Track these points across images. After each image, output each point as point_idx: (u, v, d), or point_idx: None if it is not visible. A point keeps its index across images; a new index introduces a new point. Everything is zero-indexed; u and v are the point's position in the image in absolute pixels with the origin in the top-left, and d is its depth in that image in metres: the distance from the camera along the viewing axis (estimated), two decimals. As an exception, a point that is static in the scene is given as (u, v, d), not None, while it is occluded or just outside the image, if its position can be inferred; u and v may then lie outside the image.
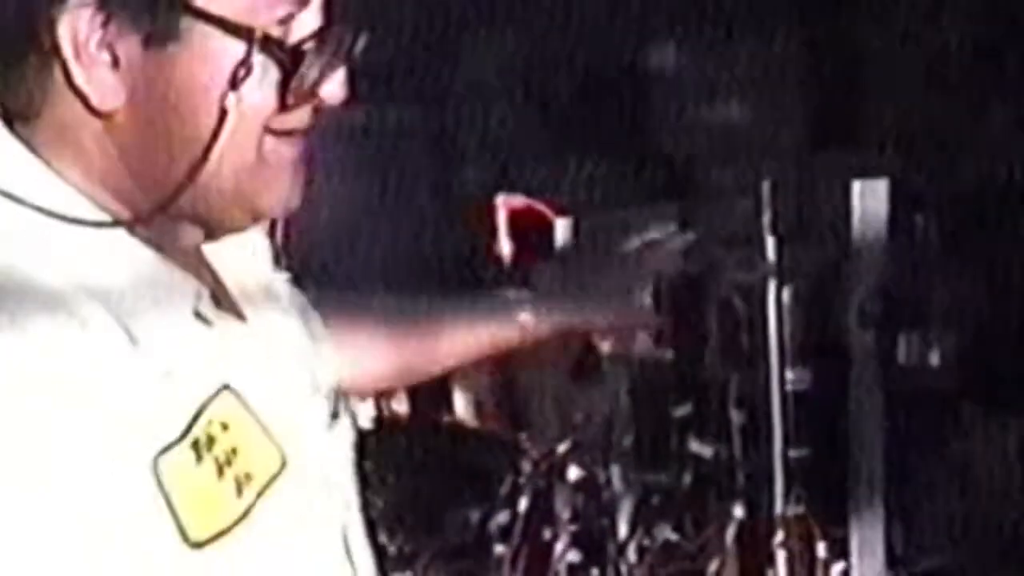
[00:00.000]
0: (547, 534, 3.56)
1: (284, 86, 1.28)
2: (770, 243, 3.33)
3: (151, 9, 1.18)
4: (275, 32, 1.26)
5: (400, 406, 5.16)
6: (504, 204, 3.80)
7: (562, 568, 3.52)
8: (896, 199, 3.36)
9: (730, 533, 3.39)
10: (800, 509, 3.35)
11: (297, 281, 4.48)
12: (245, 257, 1.42)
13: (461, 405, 5.03)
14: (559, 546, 3.53)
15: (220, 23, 1.21)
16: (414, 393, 5.10)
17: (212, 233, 1.35)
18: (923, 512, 3.54)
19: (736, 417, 3.41)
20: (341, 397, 1.50)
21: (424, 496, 4.06)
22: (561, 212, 3.85)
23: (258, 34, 1.24)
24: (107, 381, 1.16)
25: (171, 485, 1.18)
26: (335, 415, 1.46)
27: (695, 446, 3.46)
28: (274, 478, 1.28)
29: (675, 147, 5.52)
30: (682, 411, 3.49)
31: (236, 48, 1.23)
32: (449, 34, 5.62)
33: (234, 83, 1.23)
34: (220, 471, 1.22)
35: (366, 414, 5.01)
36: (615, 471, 3.54)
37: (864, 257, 3.37)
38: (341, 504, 1.43)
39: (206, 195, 1.26)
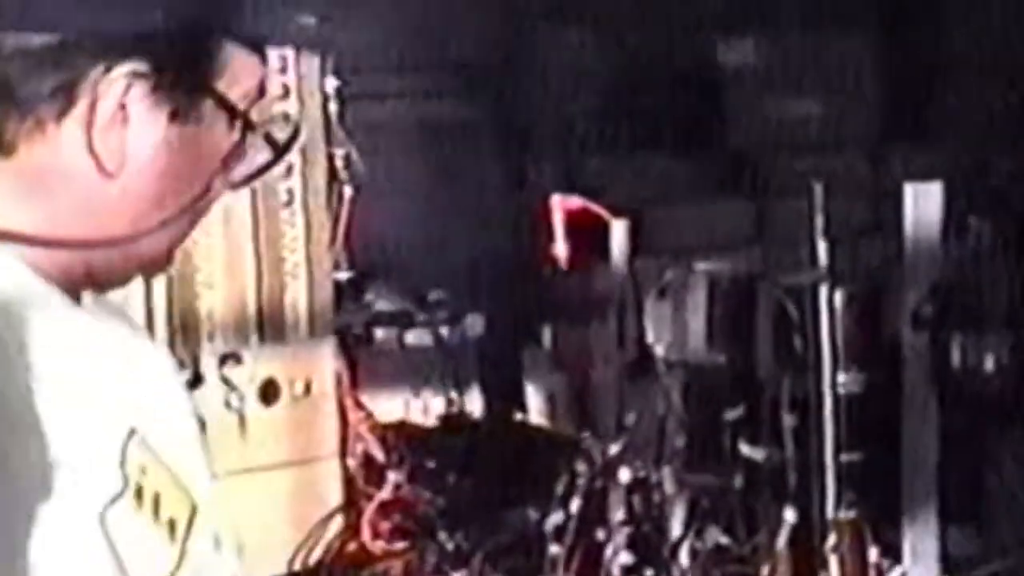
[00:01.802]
0: (600, 535, 3.57)
1: (264, 169, 1.33)
2: (822, 246, 3.31)
3: (183, 87, 1.22)
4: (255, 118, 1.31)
5: (474, 403, 5.19)
6: (560, 205, 3.80)
7: (615, 569, 3.52)
8: (951, 201, 3.33)
9: (782, 537, 3.38)
10: (852, 513, 3.33)
11: (360, 279, 4.51)
12: None
13: (535, 404, 5.05)
14: (612, 547, 3.53)
15: (231, 110, 1.25)
16: (489, 392, 5.14)
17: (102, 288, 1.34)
18: (978, 517, 3.52)
19: (788, 420, 3.40)
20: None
21: (484, 494, 4.08)
22: (618, 213, 3.85)
23: (258, 124, 1.29)
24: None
25: (117, 537, 1.18)
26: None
27: (747, 449, 3.45)
28: (191, 520, 1.28)
29: (748, 143, 5.50)
30: (734, 414, 3.49)
31: (232, 133, 1.27)
32: (523, 30, 5.64)
33: (226, 164, 1.28)
34: (156, 517, 1.23)
35: (434, 412, 5.05)
36: (667, 473, 3.54)
37: (918, 260, 3.35)
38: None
39: (137, 255, 1.28)
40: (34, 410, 1.18)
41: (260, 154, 1.32)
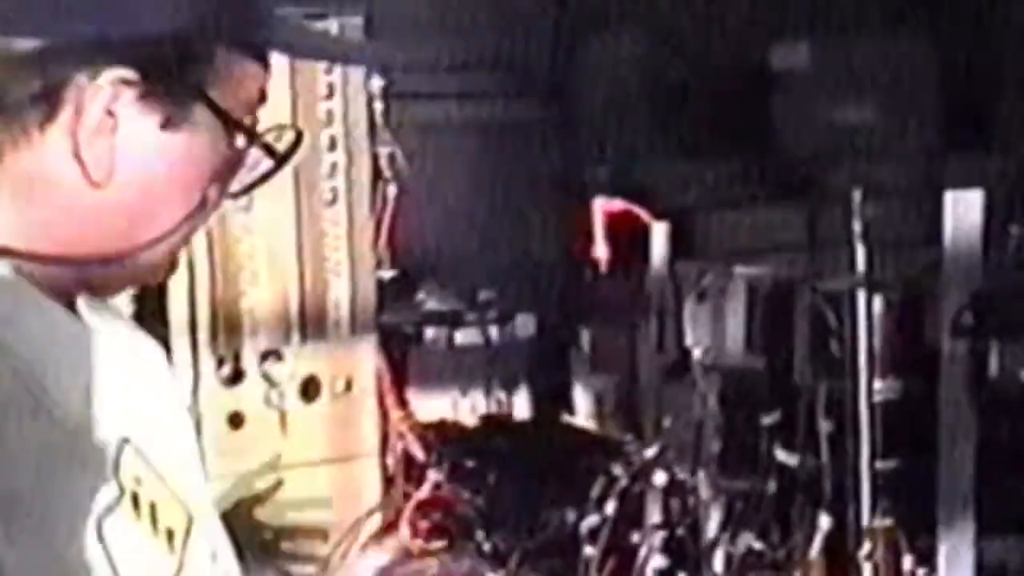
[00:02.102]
0: (635, 538, 3.56)
1: (264, 178, 1.30)
2: (860, 252, 3.30)
3: (173, 94, 1.19)
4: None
5: (522, 404, 5.20)
6: (602, 207, 3.80)
7: (648, 572, 3.51)
8: (991, 209, 3.30)
9: (816, 543, 3.37)
10: (888, 521, 3.32)
11: (405, 278, 4.52)
12: None
13: (582, 406, 5.05)
14: (646, 550, 3.53)
15: (226, 118, 1.23)
16: (537, 393, 5.14)
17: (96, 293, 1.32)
18: (1014, 525, 3.49)
19: (824, 426, 3.39)
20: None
21: (524, 495, 4.08)
22: (660, 216, 3.85)
23: (258, 132, 1.26)
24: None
25: (114, 546, 1.17)
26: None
27: (782, 454, 3.45)
28: (188, 530, 1.27)
29: (799, 149, 5.48)
30: (770, 419, 3.48)
31: (225, 143, 1.24)
32: (574, 32, 5.64)
33: (222, 174, 1.25)
34: (154, 527, 1.22)
35: (477, 411, 5.07)
36: (702, 477, 3.53)
37: (958, 267, 3.33)
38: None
39: (133, 267, 1.25)
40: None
41: (260, 162, 1.29)
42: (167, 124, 1.20)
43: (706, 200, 5.17)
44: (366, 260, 3.98)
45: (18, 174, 1.18)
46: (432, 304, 5.37)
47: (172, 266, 1.29)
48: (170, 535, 1.25)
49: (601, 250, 3.83)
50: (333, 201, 3.90)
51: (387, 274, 4.11)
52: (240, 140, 1.25)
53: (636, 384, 4.27)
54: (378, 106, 3.97)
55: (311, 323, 3.87)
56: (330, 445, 3.90)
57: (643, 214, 3.81)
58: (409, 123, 4.17)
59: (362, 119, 3.92)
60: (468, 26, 5.26)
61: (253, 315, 3.79)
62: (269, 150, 1.28)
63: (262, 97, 1.29)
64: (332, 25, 3.71)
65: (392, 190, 4.01)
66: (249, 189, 1.30)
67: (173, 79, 1.19)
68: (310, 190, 3.84)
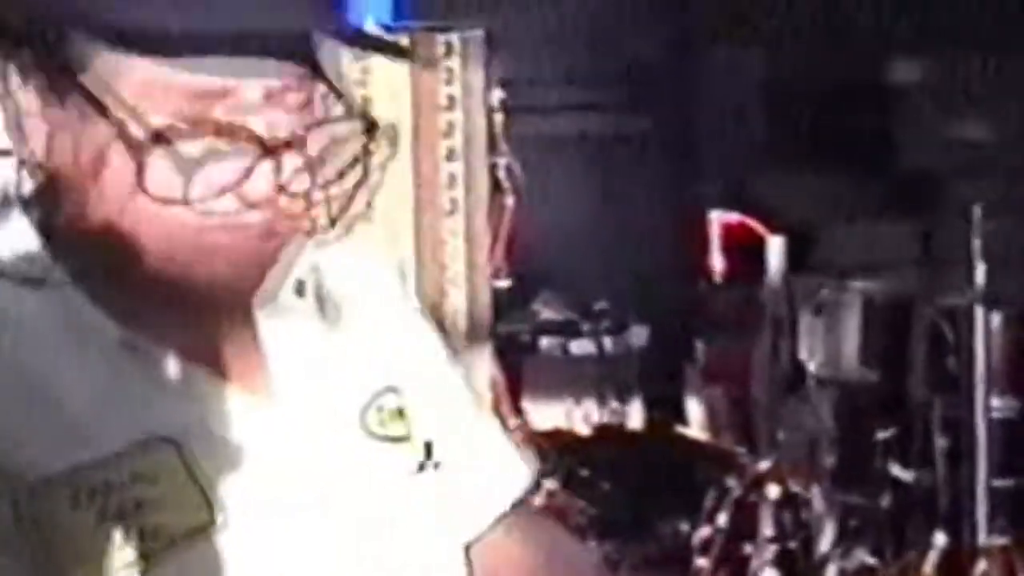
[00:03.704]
0: (747, 550, 3.58)
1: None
2: (980, 268, 3.28)
3: (45, 74, 1.19)
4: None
5: (635, 414, 5.23)
6: (718, 220, 3.82)
7: (761, 585, 3.53)
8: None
9: (930, 560, 3.35)
10: (1004, 539, 3.29)
11: (522, 288, 4.56)
12: None
13: (696, 416, 5.06)
14: (758, 562, 3.54)
15: (98, 104, 1.19)
16: (650, 403, 5.16)
17: None
18: None
19: (940, 443, 3.37)
20: None
21: (636, 505, 4.11)
22: (776, 229, 3.85)
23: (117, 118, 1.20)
24: None
25: None
26: None
27: (897, 470, 3.44)
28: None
29: (916, 164, 5.45)
30: (885, 434, 3.47)
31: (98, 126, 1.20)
32: (693, 46, 5.65)
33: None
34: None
35: (591, 421, 5.10)
36: (816, 491, 3.53)
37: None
38: None
39: None
40: None
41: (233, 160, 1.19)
42: (48, 102, 1.20)
43: (822, 214, 5.16)
44: (484, 271, 4.02)
45: None
46: (547, 314, 5.41)
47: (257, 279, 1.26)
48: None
49: (717, 262, 3.85)
50: (452, 212, 3.95)
51: (503, 284, 4.15)
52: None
53: (750, 396, 4.27)
54: (497, 118, 4.02)
55: (428, 331, 3.92)
56: (446, 452, 3.95)
57: (759, 227, 3.82)
58: (527, 135, 4.21)
59: (481, 131, 3.97)
60: (586, 40, 5.30)
61: (372, 323, 3.84)
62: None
63: (165, 92, 1.18)
64: (454, 39, 3.76)
65: (509, 201, 4.06)
66: (344, 208, 1.22)
67: (43, 59, 1.18)
68: (431, 201, 3.89)
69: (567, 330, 5.34)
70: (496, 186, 4.04)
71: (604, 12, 5.42)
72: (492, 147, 4.01)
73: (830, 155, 5.49)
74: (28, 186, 1.26)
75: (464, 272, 3.98)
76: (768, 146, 5.54)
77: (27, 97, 1.21)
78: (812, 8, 5.60)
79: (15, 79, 1.21)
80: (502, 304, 4.15)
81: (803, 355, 3.66)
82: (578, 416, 5.11)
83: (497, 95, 4.02)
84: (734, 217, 3.83)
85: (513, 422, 4.14)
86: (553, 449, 4.15)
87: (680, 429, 4.89)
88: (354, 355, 1.32)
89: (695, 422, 4.98)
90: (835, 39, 5.65)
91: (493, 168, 4.02)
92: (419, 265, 3.91)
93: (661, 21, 5.60)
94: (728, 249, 3.85)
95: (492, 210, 4.03)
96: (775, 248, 3.82)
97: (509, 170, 4.04)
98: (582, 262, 5.24)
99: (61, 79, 1.19)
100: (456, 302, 3.99)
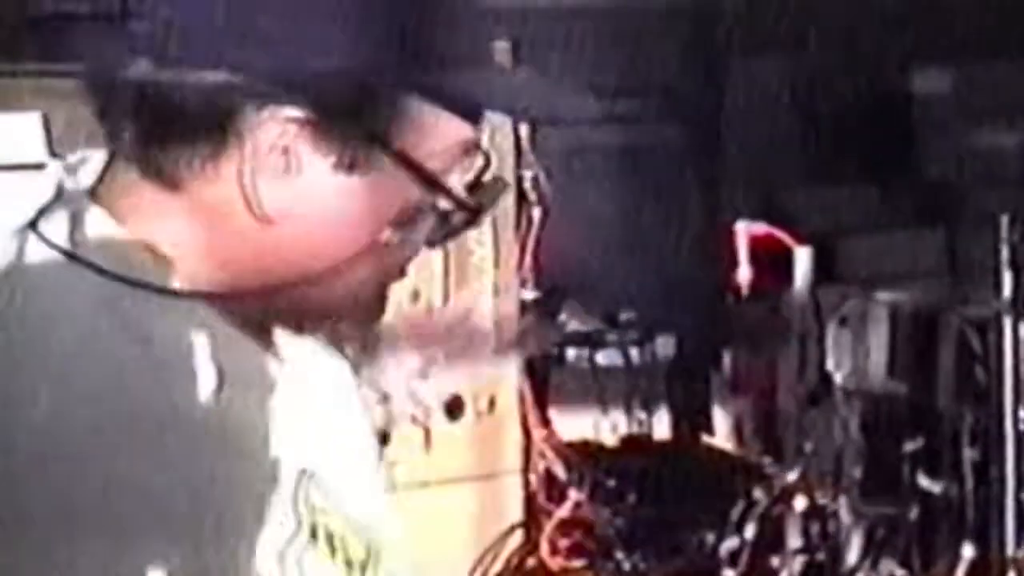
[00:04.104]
0: (774, 562, 3.57)
1: (459, 229, 1.27)
2: (1007, 278, 3.27)
3: (348, 136, 1.17)
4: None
5: (662, 425, 5.22)
6: (745, 230, 3.82)
7: (788, 597, 3.53)
8: None
9: (959, 572, 3.34)
10: (1033, 551, 3.28)
11: (547, 298, 4.57)
12: None
13: (723, 427, 5.06)
14: (785, 574, 3.54)
15: (418, 171, 1.20)
16: (677, 414, 5.15)
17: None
18: None
19: (968, 454, 3.36)
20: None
21: (664, 516, 4.11)
22: (803, 240, 3.85)
23: (452, 188, 1.22)
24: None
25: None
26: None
27: (925, 481, 3.43)
28: (367, 563, 1.26)
29: (942, 174, 5.44)
30: (913, 445, 3.46)
31: (412, 190, 1.21)
32: (719, 57, 5.66)
33: (401, 222, 1.22)
34: (332, 556, 1.23)
35: (618, 431, 5.09)
36: (843, 502, 3.53)
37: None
38: None
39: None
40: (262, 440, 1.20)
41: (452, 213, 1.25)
42: (342, 166, 1.18)
43: (848, 225, 5.15)
44: (511, 282, 4.03)
45: (195, 203, 1.20)
46: (574, 325, 5.41)
47: (378, 307, 1.28)
48: (349, 565, 1.26)
49: (744, 273, 3.85)
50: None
51: (530, 295, 4.16)
52: (424, 190, 1.21)
53: (776, 407, 4.27)
54: (523, 129, 4.03)
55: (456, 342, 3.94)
56: (473, 463, 3.96)
57: (786, 238, 3.82)
58: (554, 146, 4.22)
59: (508, 142, 3.98)
60: (613, 51, 5.30)
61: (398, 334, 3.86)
62: (461, 203, 1.23)
63: (470, 150, 1.24)
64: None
65: (536, 212, 4.07)
66: (446, 238, 1.27)
67: (349, 122, 1.17)
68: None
69: (593, 341, 5.34)
70: (523, 197, 4.05)
71: (631, 23, 5.43)
72: (519, 158, 4.02)
73: (857, 166, 5.49)
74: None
75: (491, 284, 4.00)
76: (795, 157, 5.54)
77: (312, 166, 1.19)
78: (839, 20, 5.60)
79: (299, 149, 1.18)
80: (530, 315, 4.16)
81: (830, 366, 3.66)
82: (606, 427, 5.11)
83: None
84: (761, 228, 3.83)
85: (540, 433, 4.14)
86: (580, 460, 4.15)
87: (707, 440, 4.89)
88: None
89: (722, 433, 4.98)
90: (861, 50, 5.65)
91: (520, 179, 4.03)
92: (446, 276, 3.92)
93: (688, 32, 5.60)
94: (755, 260, 3.85)
95: (519, 221, 4.04)
96: (802, 259, 3.82)
97: (536, 181, 4.05)
98: (608, 273, 5.24)
99: (364, 145, 1.19)
100: (483, 313, 4.00)
